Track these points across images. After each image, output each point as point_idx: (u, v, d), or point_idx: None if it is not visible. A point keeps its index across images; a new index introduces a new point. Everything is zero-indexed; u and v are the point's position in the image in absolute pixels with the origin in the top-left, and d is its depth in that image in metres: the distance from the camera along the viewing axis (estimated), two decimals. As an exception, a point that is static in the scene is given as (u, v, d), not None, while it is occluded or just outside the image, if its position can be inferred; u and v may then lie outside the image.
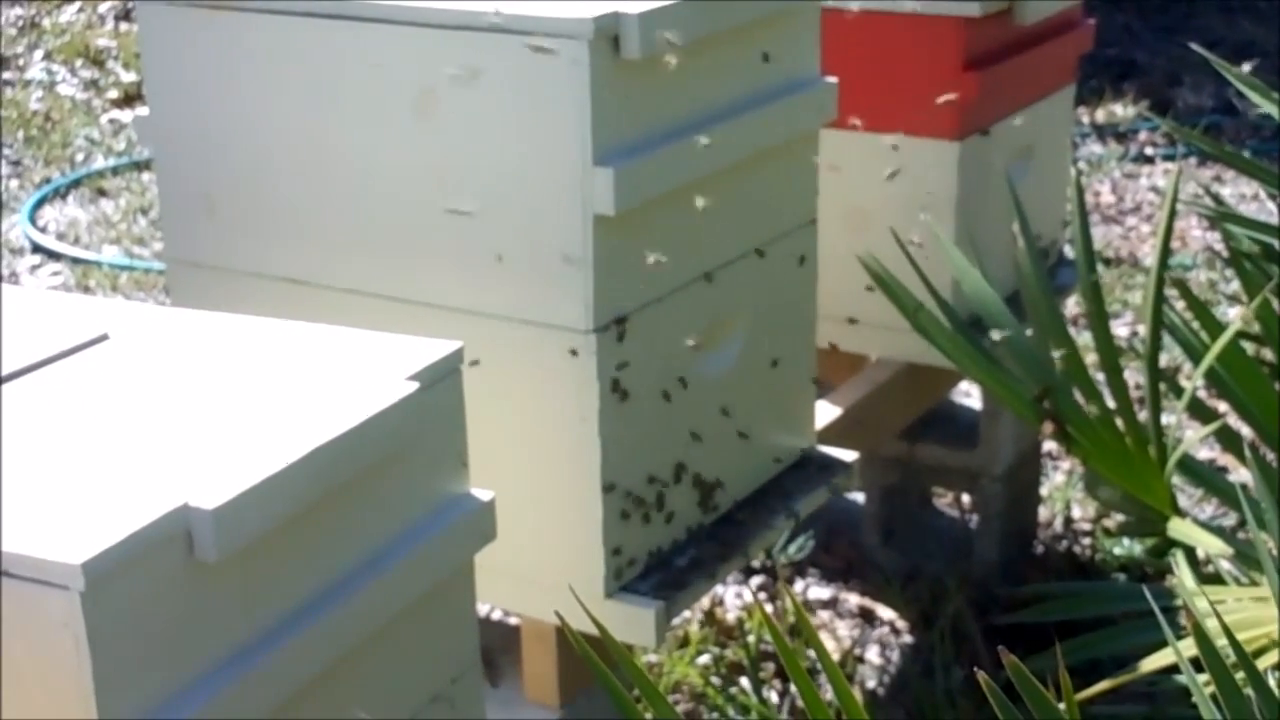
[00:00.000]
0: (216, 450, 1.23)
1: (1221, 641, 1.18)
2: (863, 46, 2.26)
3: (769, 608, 2.64)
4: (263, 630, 1.23)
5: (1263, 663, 1.57)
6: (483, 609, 2.17)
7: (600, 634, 1.20)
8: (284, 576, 1.25)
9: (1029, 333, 2.12)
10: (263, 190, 1.81)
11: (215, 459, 1.21)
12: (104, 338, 1.44)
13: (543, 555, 1.73)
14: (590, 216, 1.60)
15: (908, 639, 2.61)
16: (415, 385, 1.33)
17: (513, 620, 2.07)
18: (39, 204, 4.52)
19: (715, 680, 2.45)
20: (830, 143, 2.02)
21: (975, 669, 1.19)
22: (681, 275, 1.74)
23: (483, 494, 1.44)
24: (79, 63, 5.59)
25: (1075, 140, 4.94)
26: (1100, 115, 5.20)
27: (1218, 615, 1.18)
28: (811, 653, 2.55)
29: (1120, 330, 3.65)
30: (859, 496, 2.81)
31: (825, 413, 2.25)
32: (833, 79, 1.88)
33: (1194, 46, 2.31)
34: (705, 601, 2.61)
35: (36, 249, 4.23)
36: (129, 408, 1.31)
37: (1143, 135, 5.02)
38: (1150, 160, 4.84)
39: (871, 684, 2.51)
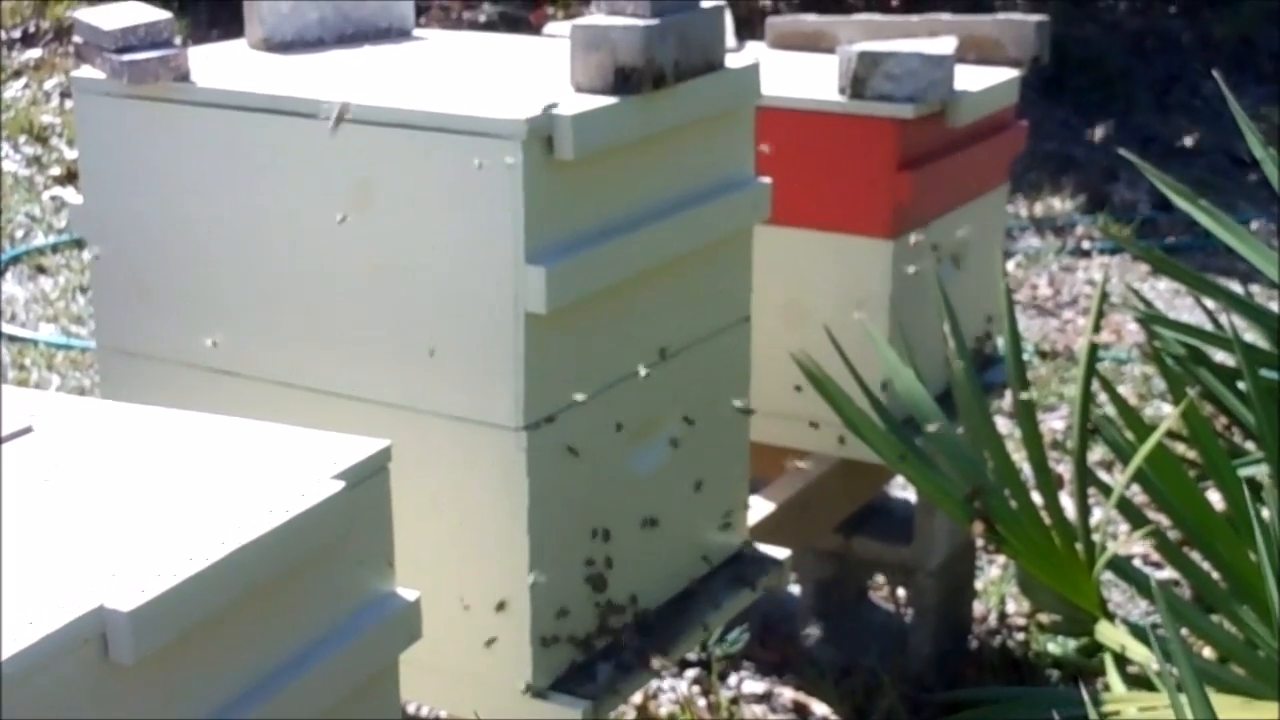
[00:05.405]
0: (136, 549, 1.21)
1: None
2: (799, 146, 2.29)
3: (702, 702, 2.63)
4: (181, 733, 1.21)
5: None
6: (411, 705, 2.14)
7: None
8: (204, 678, 1.23)
9: (960, 430, 2.13)
10: (197, 281, 1.80)
11: (134, 558, 1.20)
12: (28, 430, 1.43)
13: (471, 652, 1.72)
14: (522, 314, 1.61)
15: (841, 734, 2.60)
16: (341, 484, 1.32)
17: (442, 714, 2.05)
18: (-24, 281, 4.49)
19: (647, 775, 2.43)
20: (766, 240, 2.04)
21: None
22: (614, 372, 1.75)
23: (408, 593, 1.43)
24: (22, 139, 5.57)
25: (1013, 233, 5.01)
26: (1039, 209, 5.28)
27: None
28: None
29: (1056, 423, 3.68)
30: (795, 589, 2.81)
31: (759, 508, 2.26)
32: (767, 179, 1.91)
33: (1123, 152, 2.35)
34: (638, 695, 2.59)
35: (-28, 326, 4.19)
36: (50, 503, 1.30)
37: (1080, 229, 5.10)
38: (1087, 254, 4.91)
39: (804, 780, 2.50)
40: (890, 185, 2.28)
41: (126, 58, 1.73)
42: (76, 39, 1.80)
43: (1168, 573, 2.81)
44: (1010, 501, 2.04)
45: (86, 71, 1.80)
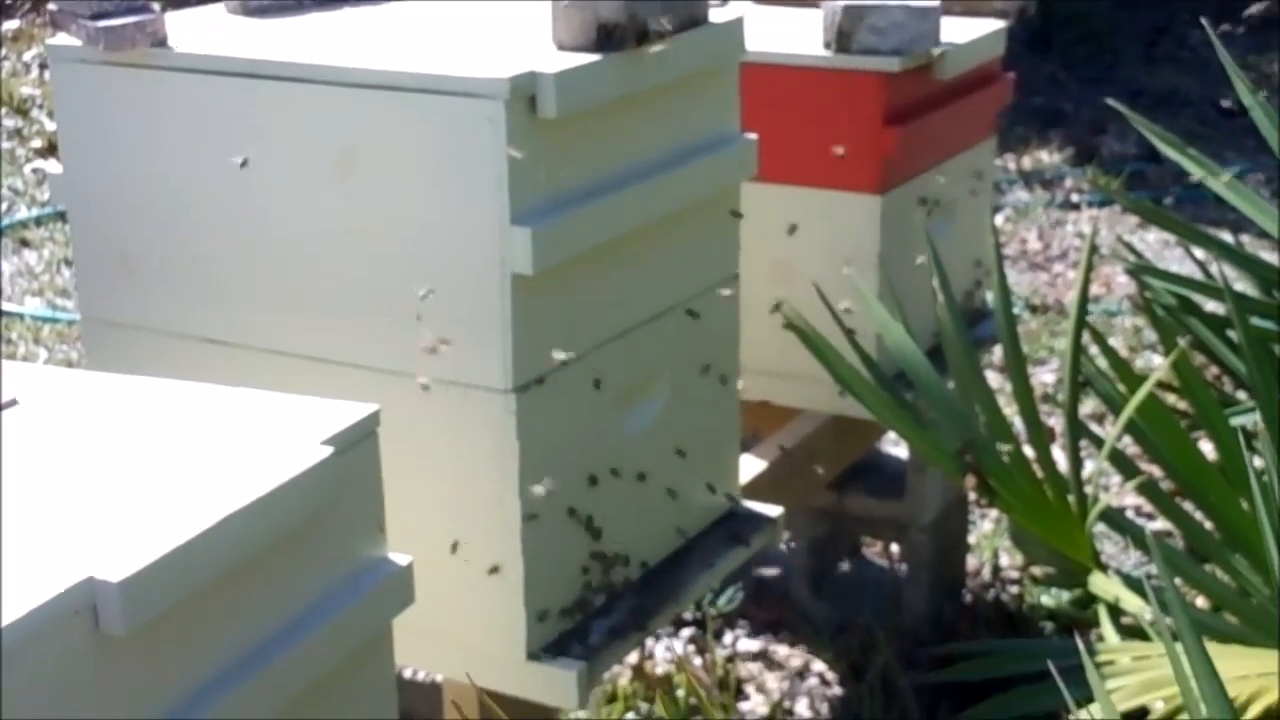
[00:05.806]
0: (125, 519, 1.20)
1: (1137, 700, 1.18)
2: (784, 101, 2.27)
3: (698, 660, 2.63)
4: (176, 703, 1.20)
5: None
6: (406, 671, 2.14)
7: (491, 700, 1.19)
8: (197, 648, 1.23)
9: (951, 385, 2.13)
10: (180, 249, 1.79)
11: (124, 528, 1.19)
12: (13, 403, 1.42)
13: (464, 617, 1.71)
14: (509, 276, 1.60)
15: (837, 691, 2.60)
16: (330, 450, 1.31)
17: (438, 677, 2.05)
18: (-39, 255, 4.47)
19: (644, 736, 2.44)
20: (753, 196, 2.02)
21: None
22: (602, 333, 1.74)
23: (400, 558, 1.42)
24: (3, 111, 5.54)
25: (1002, 187, 4.99)
26: (1027, 162, 5.27)
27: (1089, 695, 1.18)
28: (741, 705, 2.54)
29: (1047, 376, 3.68)
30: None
31: (751, 466, 2.25)
32: (753, 135, 1.89)
33: (1111, 102, 2.34)
34: (633, 655, 2.59)
35: (-43, 301, 4.18)
36: (37, 475, 1.29)
37: (1069, 182, 5.09)
38: (1076, 207, 4.90)
39: (801, 737, 2.51)
40: (877, 140, 2.27)
41: (102, 23, 1.71)
42: (51, 6, 1.78)
43: (1160, 524, 2.82)
44: (1002, 455, 2.03)
45: (62, 39, 1.78)
